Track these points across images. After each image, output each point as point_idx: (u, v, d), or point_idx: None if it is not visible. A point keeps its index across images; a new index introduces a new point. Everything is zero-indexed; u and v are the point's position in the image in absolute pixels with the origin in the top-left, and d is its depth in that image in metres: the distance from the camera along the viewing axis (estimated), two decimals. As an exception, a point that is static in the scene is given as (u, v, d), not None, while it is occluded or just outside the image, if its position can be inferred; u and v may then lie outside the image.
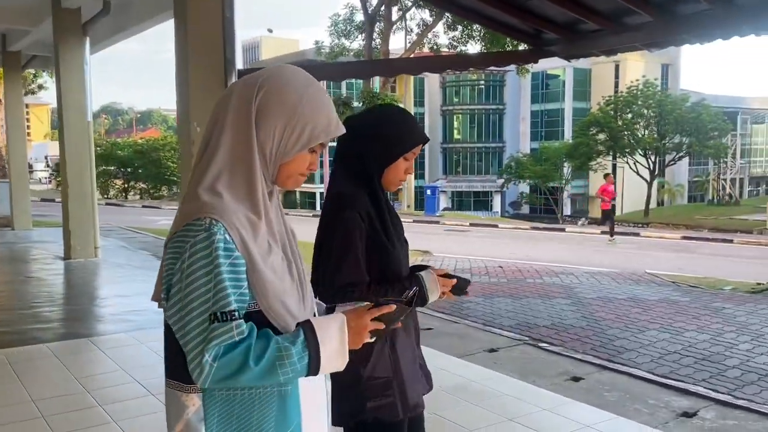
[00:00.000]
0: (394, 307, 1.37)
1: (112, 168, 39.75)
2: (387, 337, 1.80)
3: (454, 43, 23.76)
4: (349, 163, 1.92)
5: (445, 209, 42.41)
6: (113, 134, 62.67)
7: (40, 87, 27.29)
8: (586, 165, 34.08)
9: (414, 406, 1.91)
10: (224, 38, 5.83)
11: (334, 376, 1.63)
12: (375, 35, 25.91)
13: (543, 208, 41.13)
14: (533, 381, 4.67)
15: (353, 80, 38.35)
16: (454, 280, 1.97)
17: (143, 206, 28.26)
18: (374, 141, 1.89)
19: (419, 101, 47.23)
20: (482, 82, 47.56)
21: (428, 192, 25.12)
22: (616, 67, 41.59)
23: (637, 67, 39.17)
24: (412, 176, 30.30)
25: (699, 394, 4.47)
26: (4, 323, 5.82)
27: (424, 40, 25.95)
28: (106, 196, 38.80)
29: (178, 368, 1.29)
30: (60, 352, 4.89)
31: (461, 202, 46.44)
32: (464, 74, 44.57)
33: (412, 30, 26.60)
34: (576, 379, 4.79)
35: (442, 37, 25.07)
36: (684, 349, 5.62)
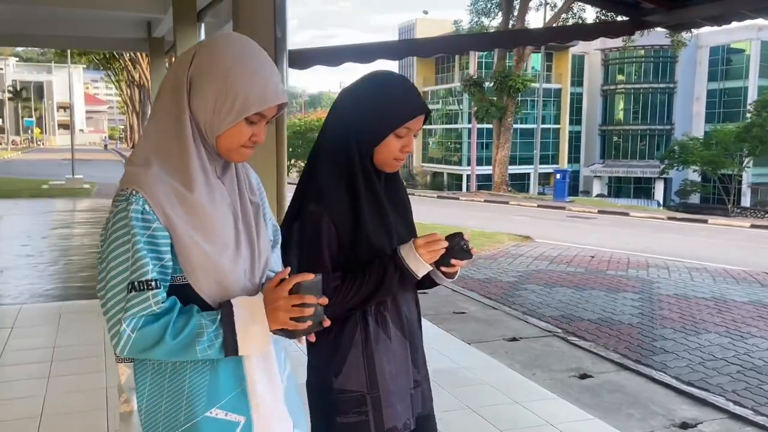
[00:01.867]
0: (311, 276, 1.25)
1: (276, 147, 43.02)
2: (363, 347, 1.61)
3: (602, 17, 22.19)
4: (329, 146, 1.64)
5: (598, 196, 40.09)
6: (288, 116, 67.07)
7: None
8: (759, 149, 30.15)
9: (389, 429, 1.63)
10: (275, 17, 6.09)
11: (308, 382, 1.63)
12: (514, 12, 25.01)
13: (716, 198, 37.08)
14: (533, 374, 4.43)
15: (485, 59, 37.44)
16: (443, 245, 1.59)
17: None
18: (354, 118, 1.61)
19: (578, 80, 44.84)
20: (650, 58, 43.87)
21: (557, 176, 23.78)
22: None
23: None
24: (538, 161, 28.84)
25: (716, 405, 3.97)
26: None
27: (567, 15, 24.54)
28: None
29: None
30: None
31: (619, 188, 43.51)
32: (629, 50, 41.42)
33: (556, 5, 25.27)
34: (583, 376, 4.45)
35: (590, 10, 23.54)
36: (735, 356, 4.95)
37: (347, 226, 1.59)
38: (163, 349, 1.19)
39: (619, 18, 8.45)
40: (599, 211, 19.52)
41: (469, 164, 39.29)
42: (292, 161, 43.47)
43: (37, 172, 24.75)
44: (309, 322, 1.26)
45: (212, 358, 1.23)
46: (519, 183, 37.17)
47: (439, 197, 24.36)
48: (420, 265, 1.58)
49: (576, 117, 45.40)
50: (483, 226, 13.18)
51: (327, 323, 1.30)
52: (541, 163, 31.42)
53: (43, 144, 70.69)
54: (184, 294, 1.24)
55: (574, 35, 8.98)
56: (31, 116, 70.07)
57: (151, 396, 1.28)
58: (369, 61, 6.71)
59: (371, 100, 1.61)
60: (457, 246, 1.60)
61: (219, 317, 1.22)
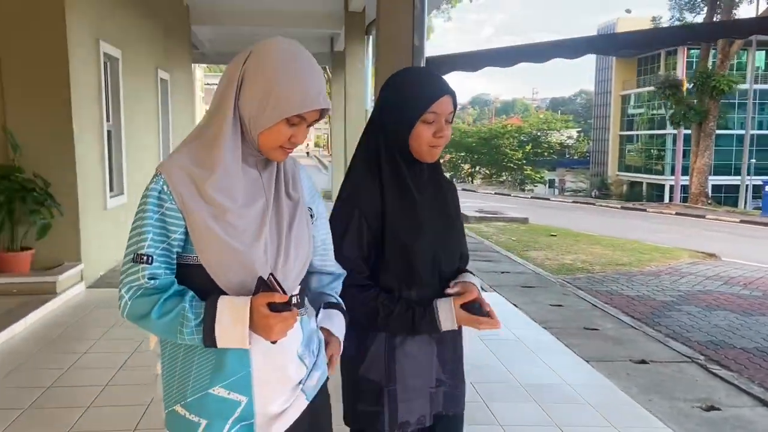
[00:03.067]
0: (286, 297, 1.26)
1: (462, 154, 43.40)
2: (386, 340, 1.66)
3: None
4: (362, 144, 1.71)
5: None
6: (478, 124, 67.18)
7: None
8: None
9: (402, 424, 1.67)
10: (413, 26, 6.26)
11: (341, 364, 1.65)
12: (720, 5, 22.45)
13: None
14: (648, 399, 4.05)
15: (695, 59, 33.75)
16: (477, 317, 1.63)
17: (495, 193, 29.71)
18: (381, 113, 1.67)
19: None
20: None
21: (767, 188, 20.61)
22: None
23: None
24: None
25: None
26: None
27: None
28: (458, 180, 42.69)
29: None
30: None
31: None
32: None
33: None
34: (710, 408, 3.97)
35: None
36: None
37: (377, 221, 1.62)
38: (149, 323, 1.28)
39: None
40: (818, 229, 16.78)
41: (672, 173, 36.04)
42: (476, 168, 43.51)
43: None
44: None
45: (195, 344, 1.28)
46: (728, 195, 33.25)
47: (622, 208, 22.77)
48: (449, 324, 1.63)
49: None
50: (664, 241, 12.13)
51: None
52: (756, 174, 27.80)
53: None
54: (198, 274, 1.29)
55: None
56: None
57: (168, 366, 1.36)
58: (510, 65, 6.57)
59: (394, 92, 1.66)
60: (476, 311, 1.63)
61: (203, 316, 1.25)
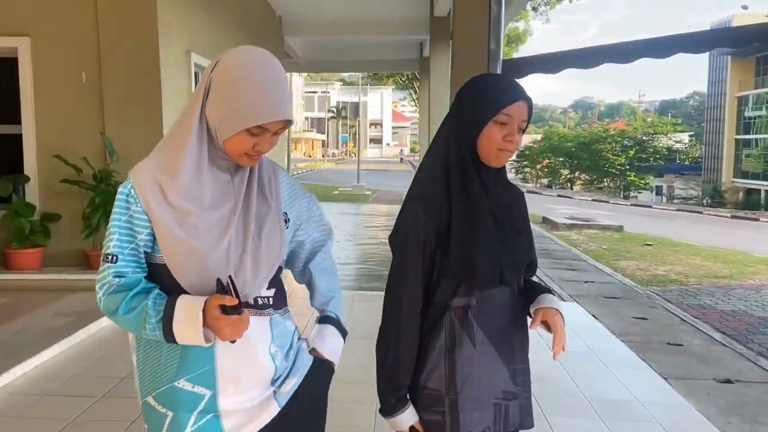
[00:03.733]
0: (236, 301, 1.27)
1: (561, 159, 42.10)
2: (446, 347, 1.61)
3: None
4: (431, 148, 1.67)
5: None
6: (579, 128, 64.96)
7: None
8: None
9: None
10: (489, 30, 6.18)
11: None
12: None
13: None
14: (727, 422, 3.78)
15: None
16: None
17: (592, 200, 28.70)
18: (454, 115, 1.63)
19: None
20: None
21: None
22: None
23: None
24: None
25: None
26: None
27: None
28: (556, 185, 41.48)
29: None
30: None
31: None
32: None
33: None
34: (796, 436, 3.62)
35: None
36: None
37: (444, 227, 1.56)
38: (118, 319, 1.35)
39: None
40: None
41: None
42: (576, 174, 41.98)
43: (337, 179, 28.45)
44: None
45: (158, 339, 1.33)
46: None
47: (732, 217, 21.20)
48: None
49: None
50: (774, 253, 11.20)
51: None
52: None
53: (356, 156, 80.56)
54: (165, 273, 1.34)
55: None
56: (346, 132, 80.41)
57: (141, 358, 1.43)
58: (592, 66, 6.31)
59: (469, 93, 1.62)
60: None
61: (162, 314, 1.30)
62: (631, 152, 39.56)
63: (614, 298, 6.91)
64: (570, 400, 3.82)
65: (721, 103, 47.21)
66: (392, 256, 1.62)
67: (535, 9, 24.40)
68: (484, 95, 1.57)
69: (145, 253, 1.38)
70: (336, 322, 1.57)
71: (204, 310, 1.28)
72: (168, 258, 1.33)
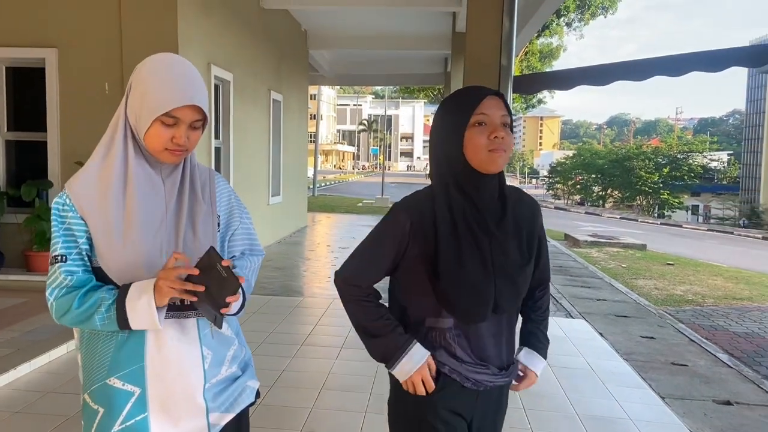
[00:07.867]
0: (196, 270, 1.33)
1: (593, 176, 41.53)
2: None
3: None
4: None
5: None
6: (612, 145, 63.91)
7: (539, 101, 30.59)
8: None
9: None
10: (501, 47, 6.23)
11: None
12: None
13: None
14: (720, 443, 3.71)
15: None
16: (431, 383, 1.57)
17: (621, 218, 28.18)
18: (434, 136, 1.63)
19: None
20: None
21: None
22: None
23: None
24: None
25: None
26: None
27: None
28: (589, 202, 40.89)
29: None
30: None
31: None
32: None
33: None
34: (791, 461, 3.56)
35: None
36: None
37: (430, 249, 1.54)
38: (71, 315, 1.39)
39: None
40: None
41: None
42: (608, 191, 41.34)
43: (363, 192, 28.63)
44: (197, 299, 1.34)
45: (112, 329, 1.39)
46: None
47: (764, 238, 20.65)
48: (398, 373, 1.58)
49: None
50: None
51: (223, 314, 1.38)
52: None
53: (387, 169, 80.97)
54: (102, 276, 1.42)
55: None
56: (377, 145, 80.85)
57: (84, 356, 1.49)
58: (605, 83, 6.31)
59: (441, 112, 1.61)
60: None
61: (115, 297, 1.37)
62: (665, 170, 38.85)
63: (625, 316, 6.83)
64: (560, 417, 3.82)
65: (760, 122, 46.08)
66: (383, 216, 1.68)
67: (568, 25, 24.27)
68: (454, 107, 1.56)
69: (88, 257, 1.43)
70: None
71: (157, 281, 1.34)
72: (104, 261, 1.40)
